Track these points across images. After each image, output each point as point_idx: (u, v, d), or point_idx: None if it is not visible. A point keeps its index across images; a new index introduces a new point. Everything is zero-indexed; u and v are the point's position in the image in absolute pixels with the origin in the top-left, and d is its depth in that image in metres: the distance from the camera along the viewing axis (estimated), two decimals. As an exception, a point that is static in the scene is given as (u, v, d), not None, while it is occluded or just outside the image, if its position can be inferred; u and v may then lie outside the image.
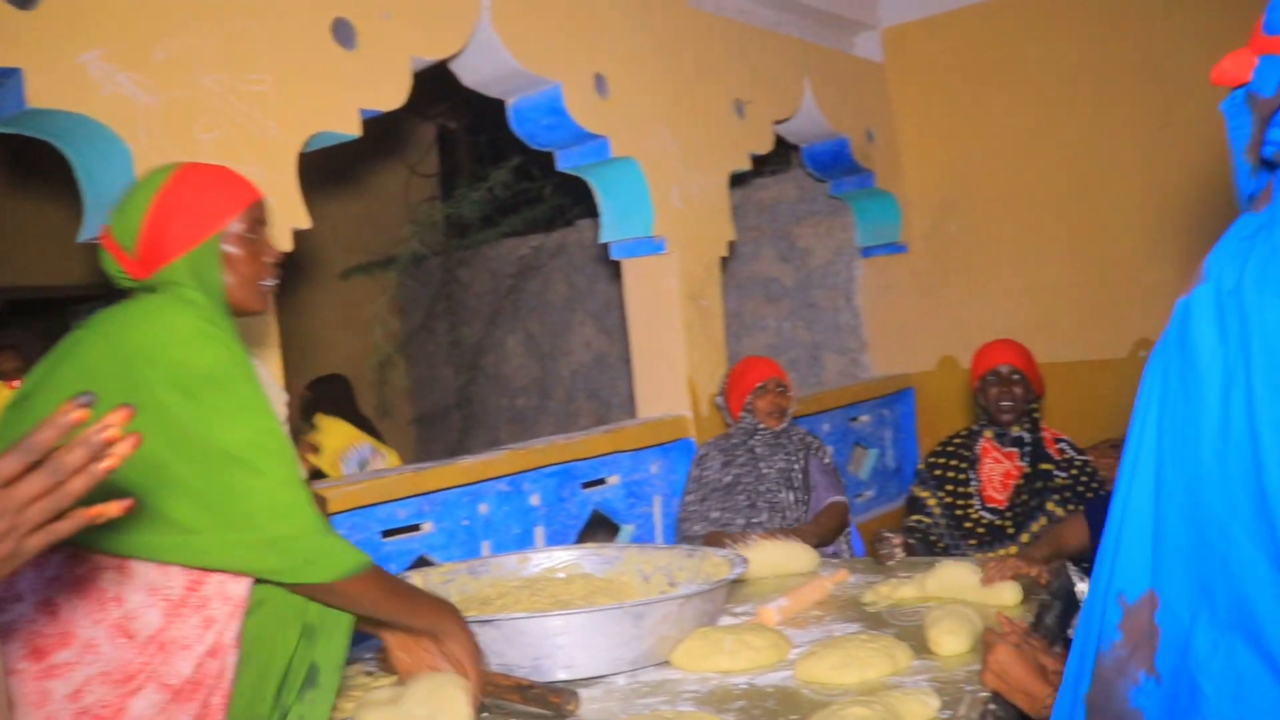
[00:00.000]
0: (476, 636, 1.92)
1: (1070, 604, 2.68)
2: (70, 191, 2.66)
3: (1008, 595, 2.47)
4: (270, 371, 2.66)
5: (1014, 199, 5.24)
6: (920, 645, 2.19)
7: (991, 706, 1.90)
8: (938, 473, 3.50)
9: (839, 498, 3.56)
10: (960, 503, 3.41)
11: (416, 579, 2.58)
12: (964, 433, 3.55)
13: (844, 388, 5.11)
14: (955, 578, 2.56)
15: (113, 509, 1.10)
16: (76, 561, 1.64)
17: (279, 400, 2.56)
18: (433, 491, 3.21)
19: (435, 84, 3.59)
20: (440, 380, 7.82)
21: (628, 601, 2.16)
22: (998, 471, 3.39)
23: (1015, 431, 3.39)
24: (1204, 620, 1.03)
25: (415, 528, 3.21)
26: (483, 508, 3.36)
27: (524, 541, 3.48)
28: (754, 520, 3.50)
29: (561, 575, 2.77)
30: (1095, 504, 2.77)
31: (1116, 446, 4.53)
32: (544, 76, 3.59)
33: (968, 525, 3.38)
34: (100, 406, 1.20)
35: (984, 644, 1.95)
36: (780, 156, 5.98)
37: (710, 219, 4.25)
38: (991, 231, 5.33)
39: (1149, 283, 4.88)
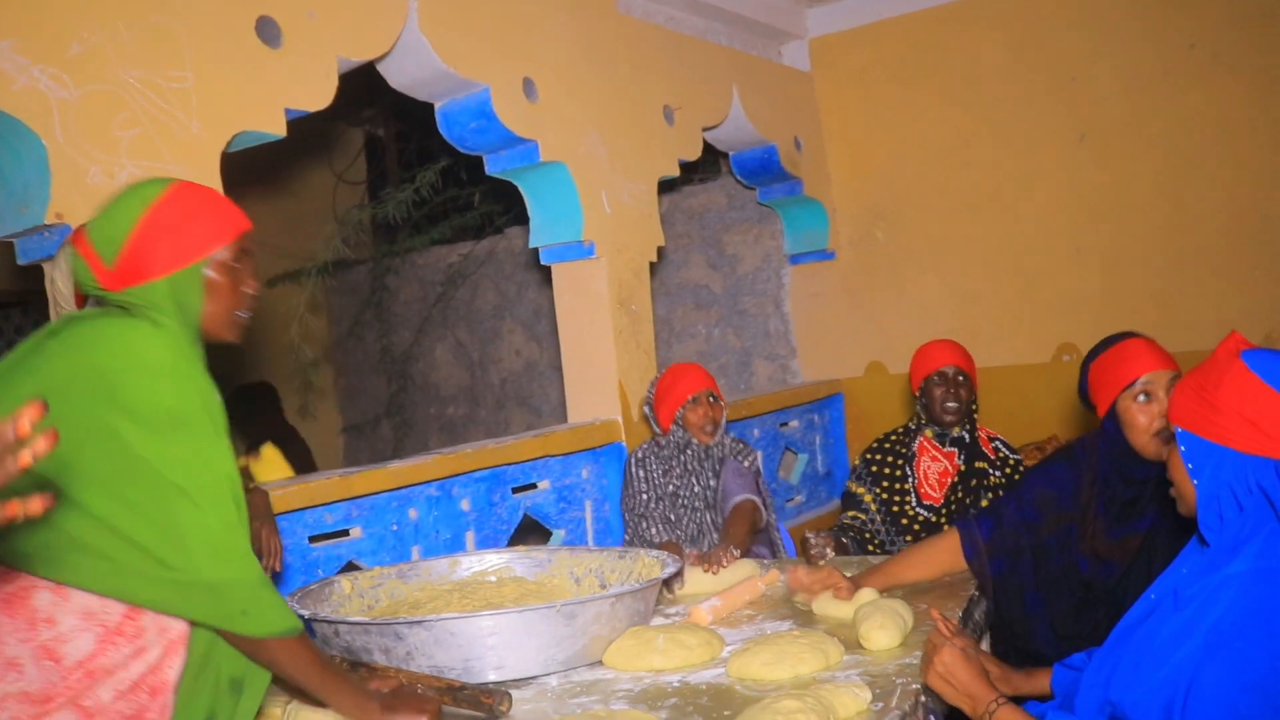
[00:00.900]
0: None
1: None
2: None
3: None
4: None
5: (939, 207, 5.33)
6: (851, 641, 2.21)
7: (923, 699, 1.92)
8: (874, 469, 3.52)
9: (747, 495, 3.37)
10: (896, 499, 3.44)
11: (345, 583, 2.54)
12: (900, 430, 3.58)
13: (774, 393, 5.14)
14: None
15: (35, 505, 1.08)
16: (8, 579, 1.59)
17: None
18: (361, 496, 3.16)
19: (363, 89, 3.56)
20: (369, 389, 7.73)
21: (559, 601, 2.15)
22: (934, 470, 3.43)
23: (956, 432, 3.43)
24: None
25: (344, 533, 3.16)
26: (412, 513, 3.32)
27: (455, 547, 3.44)
28: (692, 537, 3.47)
29: (493, 579, 2.75)
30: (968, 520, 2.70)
31: (1041, 449, 4.62)
32: (472, 79, 3.57)
33: (904, 522, 3.41)
34: (58, 422, 1.19)
35: (928, 645, 1.97)
36: (709, 164, 6.02)
37: (639, 224, 4.25)
38: (917, 239, 5.40)
39: (1072, 289, 4.99)
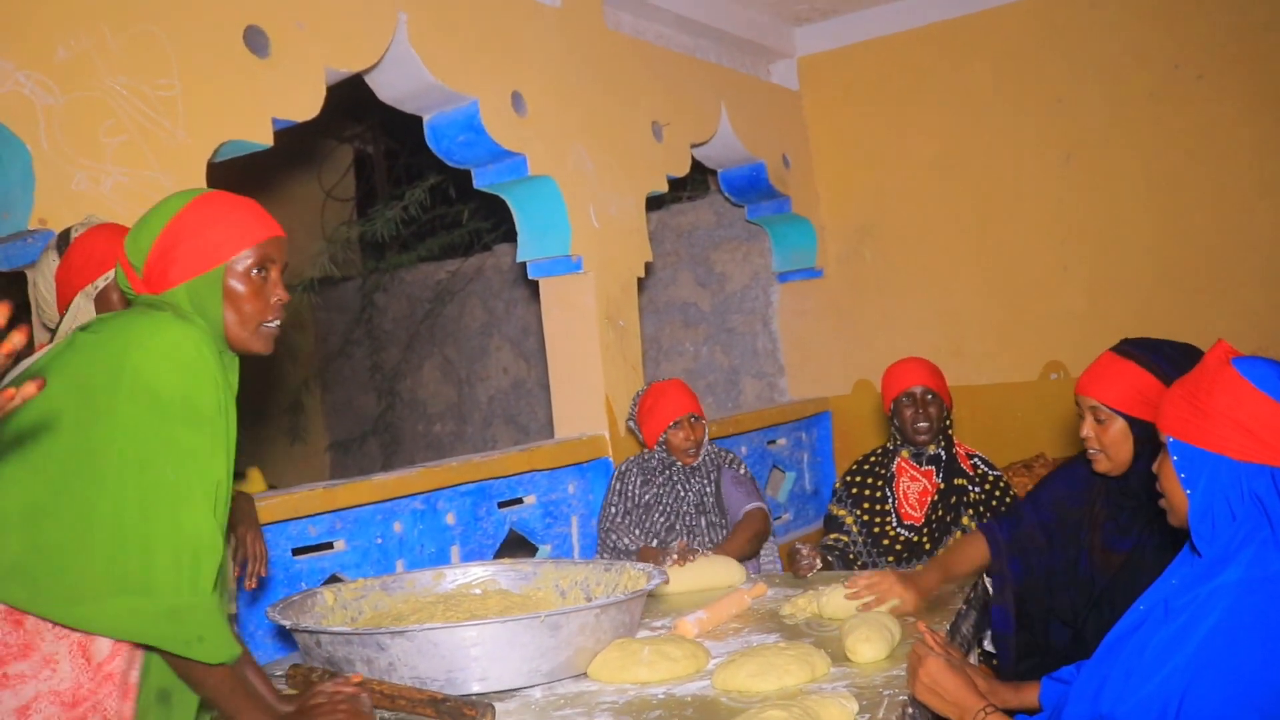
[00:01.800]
0: None
1: (985, 613, 2.71)
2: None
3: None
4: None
5: (927, 225, 5.34)
6: (838, 654, 2.19)
7: (910, 711, 1.90)
8: (854, 491, 3.51)
9: (757, 504, 3.49)
10: (878, 520, 3.42)
11: (328, 594, 2.51)
12: (879, 451, 3.57)
13: (761, 410, 5.14)
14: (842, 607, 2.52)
15: (29, 388, 1.14)
16: None
17: None
18: (346, 508, 3.13)
19: (352, 105, 3.56)
20: (357, 406, 7.70)
21: (543, 612, 2.12)
22: (914, 489, 3.41)
23: (931, 450, 3.41)
24: None
25: (327, 546, 3.13)
26: (397, 526, 3.30)
27: (439, 561, 3.41)
28: (671, 543, 3.47)
29: (477, 591, 2.71)
30: (993, 522, 2.77)
31: (1029, 467, 4.61)
32: (461, 93, 3.57)
33: (885, 542, 3.39)
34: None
35: (912, 657, 1.96)
36: (698, 182, 6.03)
37: (627, 239, 4.25)
38: (905, 257, 5.41)
39: (1058, 307, 5.00)
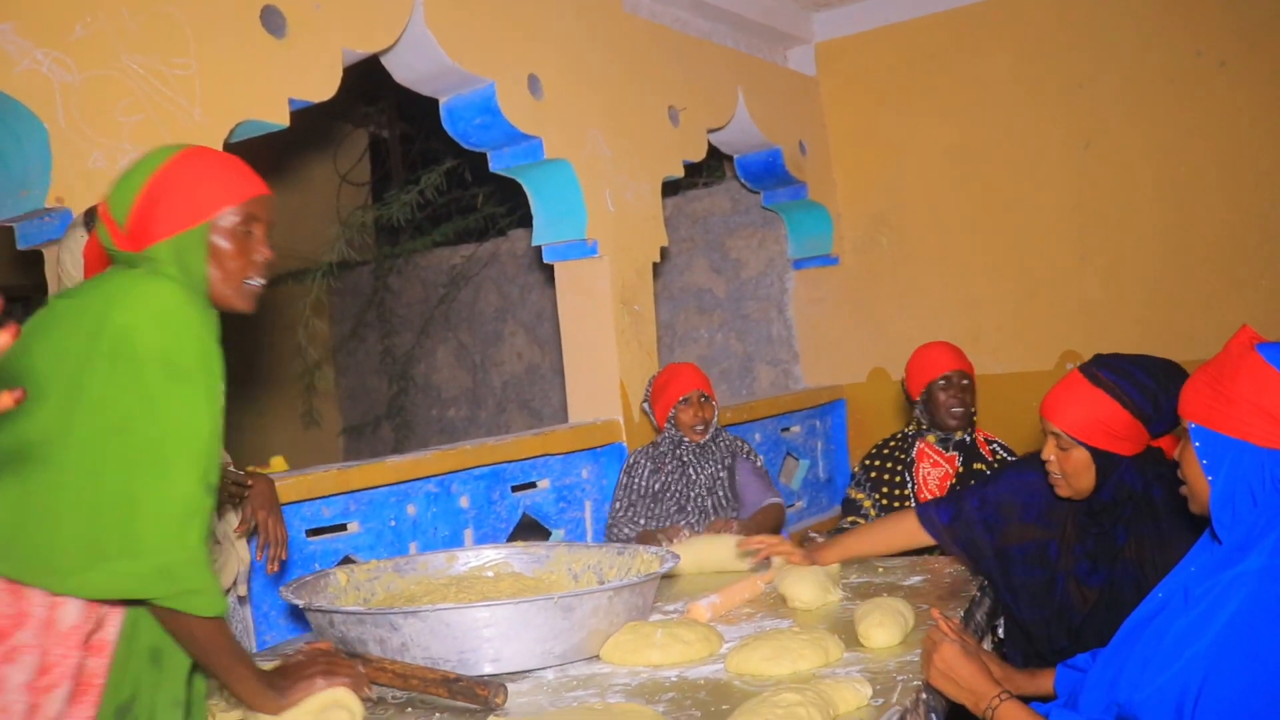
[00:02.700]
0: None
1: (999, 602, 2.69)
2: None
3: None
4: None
5: (943, 213, 5.31)
6: (851, 638, 2.18)
7: (924, 696, 1.90)
8: (873, 475, 3.50)
9: (775, 499, 3.53)
10: (896, 504, 3.41)
11: (341, 575, 2.51)
12: (898, 436, 3.56)
13: (776, 397, 5.12)
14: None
15: (4, 399, 1.11)
16: None
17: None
18: (359, 490, 3.14)
19: (368, 90, 3.56)
20: (371, 390, 7.71)
21: (556, 593, 2.12)
22: (935, 474, 3.40)
23: (958, 435, 3.40)
24: None
25: (341, 527, 3.13)
26: (411, 509, 3.30)
27: (453, 544, 3.41)
28: (680, 524, 3.48)
29: (490, 574, 2.72)
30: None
31: (1043, 457, 4.58)
32: (477, 75, 3.55)
33: (903, 528, 3.38)
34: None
35: (927, 642, 1.95)
36: (714, 169, 6.01)
37: (643, 224, 4.24)
38: (921, 245, 5.39)
39: (1075, 296, 4.97)
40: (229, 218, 1.71)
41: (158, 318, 1.58)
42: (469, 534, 3.49)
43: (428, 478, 3.35)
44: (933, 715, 1.90)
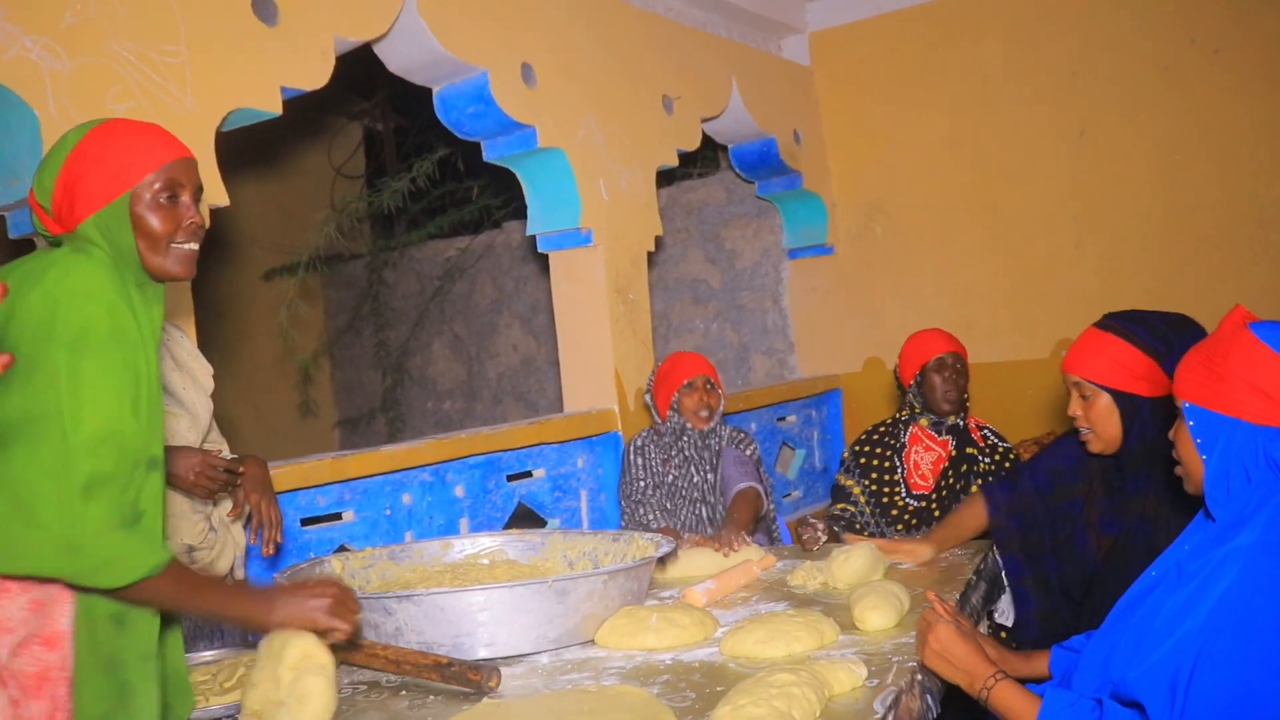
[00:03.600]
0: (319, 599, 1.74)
1: (995, 585, 2.70)
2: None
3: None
4: (191, 340, 2.58)
5: (938, 201, 5.30)
6: (846, 622, 2.19)
7: (920, 677, 1.90)
8: (863, 461, 3.50)
9: (749, 484, 3.34)
10: (886, 490, 3.41)
11: (336, 563, 2.51)
12: (888, 421, 3.55)
13: (771, 387, 5.12)
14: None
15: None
16: None
17: (204, 372, 2.48)
18: (355, 479, 3.13)
19: (362, 84, 3.54)
20: (366, 383, 7.70)
21: (551, 577, 2.12)
22: (927, 459, 3.40)
23: (951, 420, 3.40)
24: None
25: (336, 516, 3.13)
26: (406, 498, 3.29)
27: (448, 533, 3.40)
28: (681, 512, 3.47)
29: (485, 561, 2.72)
30: (992, 485, 2.85)
31: (1040, 444, 4.59)
32: (471, 63, 3.54)
33: (894, 512, 3.38)
34: None
35: (922, 624, 1.95)
36: (708, 159, 6.00)
37: (638, 213, 4.23)
38: (916, 234, 5.38)
39: (1070, 284, 4.97)
40: (149, 186, 1.67)
41: (68, 294, 1.55)
42: (464, 523, 3.49)
43: (423, 467, 3.35)
44: (928, 696, 1.90)
